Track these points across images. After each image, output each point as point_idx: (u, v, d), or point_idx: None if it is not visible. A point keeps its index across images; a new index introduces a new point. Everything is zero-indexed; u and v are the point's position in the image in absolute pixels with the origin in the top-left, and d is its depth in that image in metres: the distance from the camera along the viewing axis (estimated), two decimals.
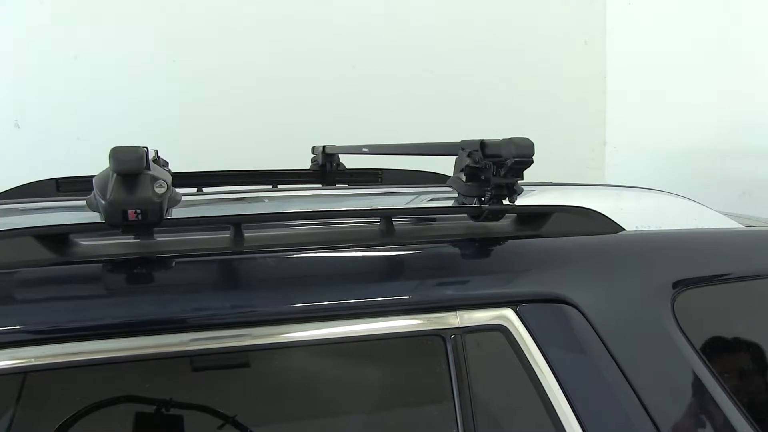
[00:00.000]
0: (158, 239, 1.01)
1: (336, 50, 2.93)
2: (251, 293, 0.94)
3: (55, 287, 0.88)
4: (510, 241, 1.08)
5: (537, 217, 1.15)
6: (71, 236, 0.97)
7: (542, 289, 1.00)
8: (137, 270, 0.91)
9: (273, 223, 1.10)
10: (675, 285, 1.06)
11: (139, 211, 0.86)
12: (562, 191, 1.21)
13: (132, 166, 0.84)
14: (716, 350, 1.05)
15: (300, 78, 2.87)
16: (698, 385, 1.00)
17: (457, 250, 1.05)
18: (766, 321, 1.16)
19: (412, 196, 1.12)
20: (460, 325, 0.95)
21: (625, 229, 1.16)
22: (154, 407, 0.87)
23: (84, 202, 0.92)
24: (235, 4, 2.81)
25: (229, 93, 2.79)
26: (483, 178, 1.05)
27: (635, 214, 1.20)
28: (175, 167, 1.76)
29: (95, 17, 2.65)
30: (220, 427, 0.88)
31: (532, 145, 1.00)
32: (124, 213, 0.86)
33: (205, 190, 1.68)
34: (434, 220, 1.19)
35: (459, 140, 1.11)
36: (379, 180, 1.96)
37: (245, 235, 1.01)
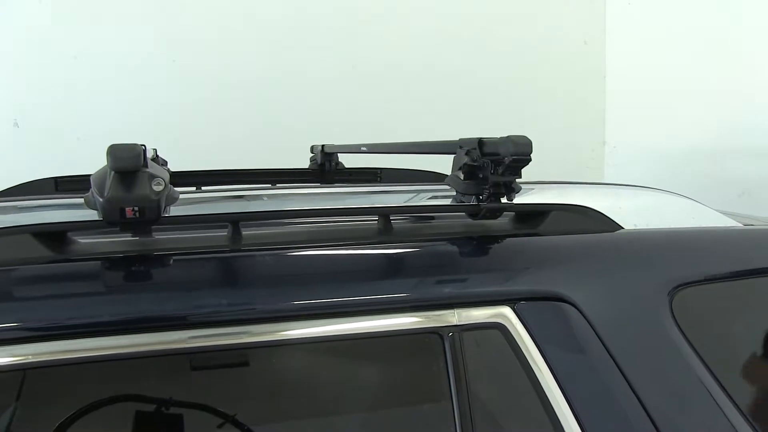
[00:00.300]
0: (156, 237, 1.01)
1: (336, 50, 2.93)
2: (249, 291, 0.94)
3: (52, 285, 0.88)
4: (508, 239, 1.08)
5: (535, 215, 1.15)
6: (69, 234, 0.97)
7: (540, 287, 1.00)
8: (135, 267, 0.91)
9: (271, 220, 1.11)
10: (673, 283, 1.06)
11: (136, 208, 0.86)
12: (560, 189, 1.21)
13: (129, 164, 0.85)
14: (714, 348, 1.05)
15: (299, 78, 2.87)
16: (696, 383, 1.00)
17: (455, 248, 1.05)
18: (765, 319, 1.16)
19: (410, 195, 1.12)
20: (458, 323, 0.95)
21: (623, 228, 1.16)
22: (152, 404, 0.87)
23: (82, 200, 0.92)
24: (234, 3, 2.81)
25: (228, 93, 2.79)
26: (481, 176, 1.05)
27: (633, 212, 1.20)
28: (174, 166, 1.76)
29: (95, 17, 2.65)
30: (218, 424, 0.88)
31: (530, 143, 1.00)
32: (122, 210, 0.86)
33: (203, 188, 1.68)
34: (432, 218, 1.19)
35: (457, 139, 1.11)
36: (378, 179, 1.96)
37: (243, 232, 1.01)
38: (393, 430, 0.96)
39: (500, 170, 1.02)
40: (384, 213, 1.07)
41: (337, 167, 1.99)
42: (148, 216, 0.87)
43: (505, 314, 0.97)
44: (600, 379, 0.97)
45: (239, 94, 2.81)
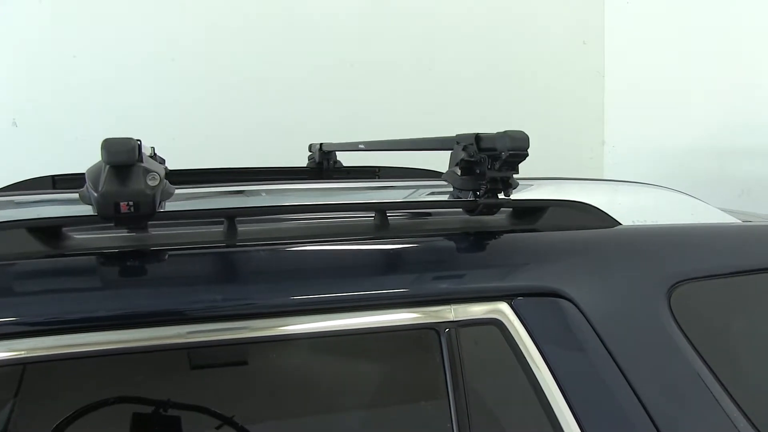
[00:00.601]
0: (151, 232, 1.01)
1: (334, 48, 2.93)
2: (244, 286, 0.94)
3: (46, 279, 0.88)
4: (505, 234, 1.08)
5: (532, 211, 1.14)
6: (64, 229, 0.97)
7: (537, 283, 1.00)
8: (129, 263, 0.91)
9: (267, 216, 1.10)
10: (671, 279, 1.05)
11: (131, 203, 0.86)
12: (558, 185, 1.20)
13: (124, 158, 0.84)
14: (713, 345, 1.04)
15: (297, 76, 2.87)
16: (695, 380, 1.00)
17: (451, 244, 1.04)
18: (763, 316, 1.15)
19: (407, 191, 1.11)
20: (455, 319, 0.95)
21: (621, 224, 1.15)
22: (147, 400, 0.87)
23: (77, 196, 0.92)
24: (233, 3, 2.81)
25: (227, 92, 2.79)
26: (478, 171, 1.05)
27: (631, 208, 1.19)
28: (171, 165, 1.76)
29: (94, 16, 2.65)
30: (215, 419, 0.87)
31: (527, 138, 1.00)
32: (117, 205, 0.85)
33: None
34: (429, 213, 1.19)
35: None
36: (377, 178, 1.96)
37: (239, 228, 1.01)
38: (389, 427, 0.95)
39: (497, 165, 1.02)
40: (380, 209, 1.07)
41: (335, 166, 1.99)
42: (143, 211, 0.86)
43: (502, 310, 0.97)
44: (598, 375, 0.97)
45: (238, 93, 2.80)
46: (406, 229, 1.11)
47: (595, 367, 0.97)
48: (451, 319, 0.95)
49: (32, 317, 0.84)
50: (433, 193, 1.11)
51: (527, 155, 1.01)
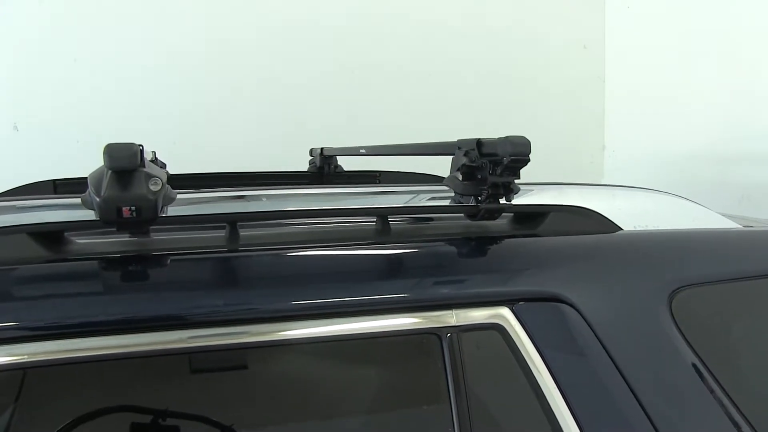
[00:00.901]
0: (153, 237, 1.01)
1: (335, 54, 2.93)
2: (246, 291, 0.94)
3: (49, 284, 0.88)
4: (506, 240, 1.08)
5: (534, 216, 1.14)
6: (66, 234, 0.97)
7: (539, 288, 1.00)
8: (131, 267, 0.91)
9: (269, 221, 1.10)
10: (673, 284, 1.06)
11: (133, 208, 0.86)
12: (559, 191, 1.20)
13: (126, 163, 0.84)
14: (714, 350, 1.04)
15: (299, 82, 2.87)
16: (696, 385, 1.00)
17: (453, 249, 1.04)
18: (765, 321, 1.15)
19: (409, 196, 1.11)
20: (456, 324, 0.95)
21: (622, 229, 1.15)
22: (148, 404, 0.86)
23: (79, 200, 0.92)
24: (234, 7, 2.82)
25: (228, 97, 2.79)
26: (479, 176, 1.05)
27: (633, 213, 1.19)
28: (172, 170, 1.76)
29: (95, 20, 2.65)
30: (216, 424, 0.87)
31: (528, 143, 1.00)
32: (119, 210, 0.86)
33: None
34: (430, 218, 1.19)
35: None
36: (377, 182, 1.96)
37: (241, 233, 1.01)
38: (391, 430, 0.95)
39: (499, 171, 1.02)
40: (382, 214, 1.07)
41: (336, 170, 1.99)
42: (145, 216, 0.87)
43: (504, 315, 0.97)
44: (599, 380, 0.97)
45: (239, 98, 2.81)
46: (407, 234, 1.11)
47: (596, 371, 0.97)
48: (453, 324, 0.95)
49: (34, 322, 0.84)
50: (434, 198, 1.12)
51: (529, 160, 1.01)
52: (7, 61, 2.58)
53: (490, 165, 1.03)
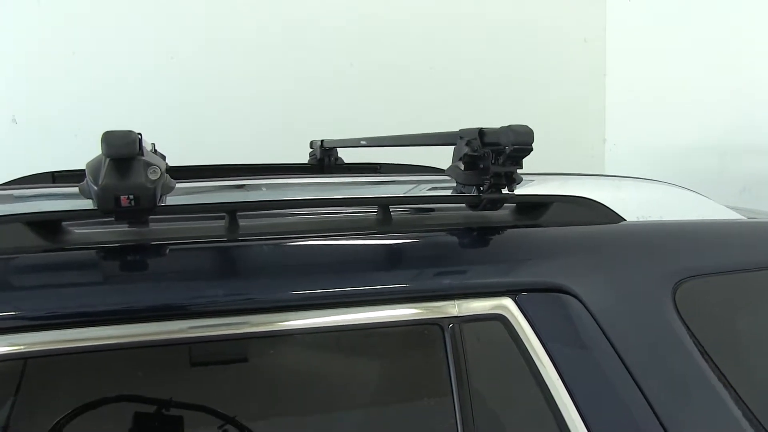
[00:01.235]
0: (152, 227, 1.00)
1: (334, 48, 2.92)
2: (246, 281, 0.93)
3: (46, 274, 0.87)
4: (509, 230, 1.07)
5: (536, 206, 1.13)
6: (63, 223, 0.96)
7: (542, 279, 0.99)
8: (130, 257, 0.90)
9: (269, 210, 1.09)
10: (676, 276, 1.05)
11: (131, 196, 0.85)
12: (561, 181, 1.19)
13: (124, 151, 0.83)
14: (717, 341, 1.04)
15: (298, 75, 2.86)
16: (699, 377, 0.99)
17: (455, 239, 1.03)
18: None
19: (410, 185, 1.10)
20: (459, 315, 0.94)
21: (625, 220, 1.14)
22: (148, 395, 0.85)
23: (77, 189, 0.91)
24: (233, 2, 2.80)
25: (227, 89, 2.78)
26: (482, 166, 1.04)
27: (636, 204, 1.18)
28: (172, 162, 1.75)
29: (94, 13, 2.64)
30: (216, 415, 0.86)
31: (531, 132, 0.99)
32: (117, 199, 0.85)
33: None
34: (432, 209, 1.18)
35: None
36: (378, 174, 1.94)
37: (240, 222, 1.00)
38: (393, 423, 0.94)
39: (501, 160, 1.01)
40: (383, 203, 1.06)
41: (337, 162, 1.98)
42: (144, 204, 0.86)
43: (507, 306, 0.96)
44: (602, 371, 0.96)
45: (238, 90, 2.80)
46: (408, 224, 1.10)
47: (599, 363, 0.96)
48: (455, 315, 0.94)
49: (32, 312, 0.83)
50: (435, 189, 1.10)
51: (531, 150, 1.00)
52: (6, 54, 2.57)
53: (493, 155, 1.02)
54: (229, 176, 1.66)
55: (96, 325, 0.83)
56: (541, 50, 3.27)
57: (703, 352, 1.00)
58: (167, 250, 0.93)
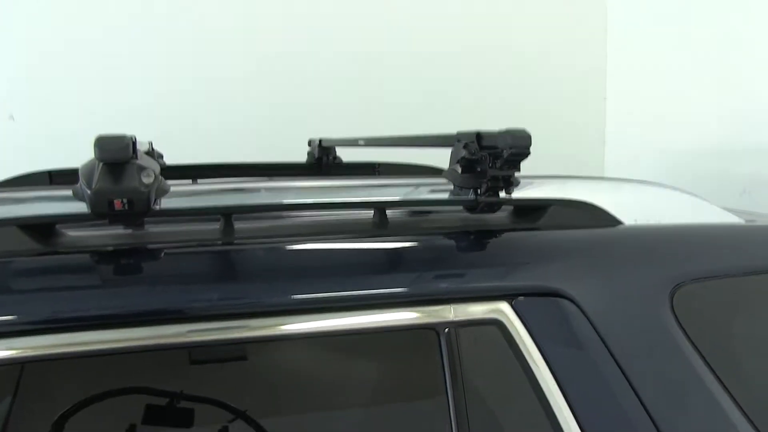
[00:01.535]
0: (147, 230, 0.99)
1: (334, 45, 2.90)
2: (241, 285, 0.92)
3: (39, 278, 0.86)
4: (506, 233, 1.06)
5: (534, 209, 1.13)
6: (57, 226, 0.95)
7: (539, 283, 0.98)
8: (124, 261, 0.89)
9: (264, 213, 1.08)
10: (674, 280, 1.04)
11: (125, 200, 0.84)
12: (559, 184, 1.18)
13: (117, 155, 0.82)
14: (716, 346, 1.03)
15: (296, 72, 2.85)
16: (696, 382, 0.98)
17: (451, 243, 1.03)
18: (767, 317, 1.14)
19: (407, 188, 1.10)
20: (454, 319, 0.93)
21: (623, 223, 1.14)
22: (141, 400, 0.85)
23: (71, 192, 0.90)
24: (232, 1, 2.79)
25: (225, 87, 2.77)
26: (479, 169, 1.04)
27: (634, 207, 1.18)
28: (169, 160, 1.74)
29: (92, 10, 2.62)
30: (213, 419, 0.86)
31: (529, 136, 0.99)
32: (110, 203, 0.84)
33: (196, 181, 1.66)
34: (429, 212, 1.17)
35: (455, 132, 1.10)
36: (376, 174, 1.94)
37: (236, 225, 0.99)
38: (387, 428, 0.94)
39: (498, 164, 1.01)
40: (380, 206, 1.05)
41: (335, 161, 1.97)
42: (138, 208, 0.85)
43: (503, 310, 0.95)
44: (599, 376, 0.95)
45: (236, 88, 2.78)
46: (405, 227, 1.09)
47: (596, 368, 0.96)
48: (451, 319, 0.93)
49: (24, 316, 0.82)
50: (432, 191, 1.10)
51: (529, 153, 0.99)
52: (5, 52, 2.56)
53: (490, 158, 1.01)
54: (226, 175, 1.67)
55: (89, 329, 0.82)
56: (540, 50, 3.25)
57: (701, 357, 1.00)
58: (162, 254, 0.92)
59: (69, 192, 0.91)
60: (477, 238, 1.04)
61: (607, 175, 3.39)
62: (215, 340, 0.87)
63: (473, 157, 1.04)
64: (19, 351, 0.81)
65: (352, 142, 1.74)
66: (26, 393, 0.82)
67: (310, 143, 2.05)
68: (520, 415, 0.95)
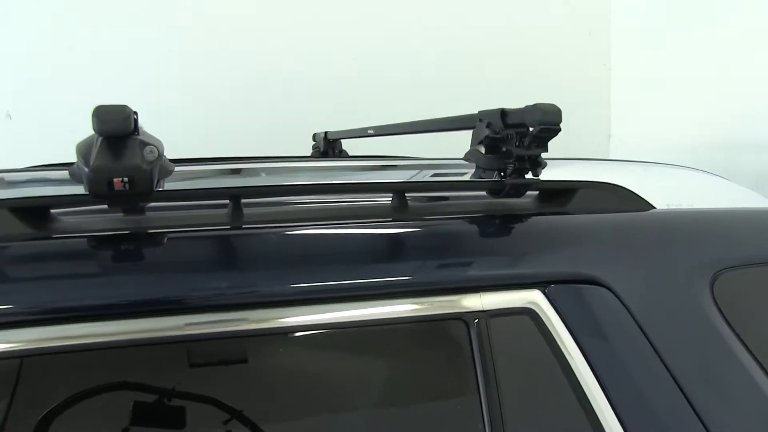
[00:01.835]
0: (148, 214, 0.91)
1: (336, 42, 2.86)
2: (251, 273, 0.84)
3: (32, 264, 0.79)
4: (536, 217, 0.99)
5: (561, 193, 1.06)
6: (52, 210, 0.87)
7: (573, 270, 0.92)
8: (124, 246, 0.82)
9: (275, 196, 1.00)
10: (714, 266, 0.98)
11: (126, 179, 0.77)
12: (583, 166, 1.12)
13: (118, 127, 0.75)
14: (759, 335, 0.97)
15: (300, 69, 2.80)
16: (740, 372, 0.92)
17: (477, 228, 0.95)
18: None
19: (425, 171, 1.03)
20: (484, 309, 0.86)
21: (655, 207, 1.07)
22: (142, 394, 0.77)
23: (67, 173, 0.83)
24: None
25: (227, 83, 2.72)
26: (504, 149, 0.97)
27: (664, 191, 1.11)
28: (171, 156, 1.68)
29: (90, 7, 2.57)
30: (225, 413, 0.78)
31: (559, 111, 0.93)
32: (110, 182, 0.77)
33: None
34: (451, 196, 1.10)
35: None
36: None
37: (245, 209, 0.91)
38: (417, 423, 0.86)
39: (526, 142, 0.94)
40: (399, 189, 0.98)
41: (341, 155, 1.91)
42: (139, 188, 0.78)
43: (535, 299, 0.89)
44: (639, 367, 0.89)
45: (238, 84, 2.73)
46: (426, 212, 1.02)
47: (635, 359, 0.89)
48: (481, 309, 0.86)
49: (16, 306, 0.75)
50: (453, 174, 1.03)
51: (560, 129, 0.93)
52: (2, 49, 2.51)
53: (517, 136, 0.95)
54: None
55: (86, 320, 0.75)
56: (545, 43, 3.21)
57: (744, 346, 0.94)
58: (165, 239, 0.85)
59: (64, 173, 0.84)
60: (504, 223, 0.97)
61: None
62: (225, 333, 0.79)
63: (498, 136, 0.97)
64: (9, 344, 0.73)
65: (361, 133, 1.67)
66: (12, 388, 0.75)
67: (315, 137, 1.99)
68: (555, 409, 0.88)
